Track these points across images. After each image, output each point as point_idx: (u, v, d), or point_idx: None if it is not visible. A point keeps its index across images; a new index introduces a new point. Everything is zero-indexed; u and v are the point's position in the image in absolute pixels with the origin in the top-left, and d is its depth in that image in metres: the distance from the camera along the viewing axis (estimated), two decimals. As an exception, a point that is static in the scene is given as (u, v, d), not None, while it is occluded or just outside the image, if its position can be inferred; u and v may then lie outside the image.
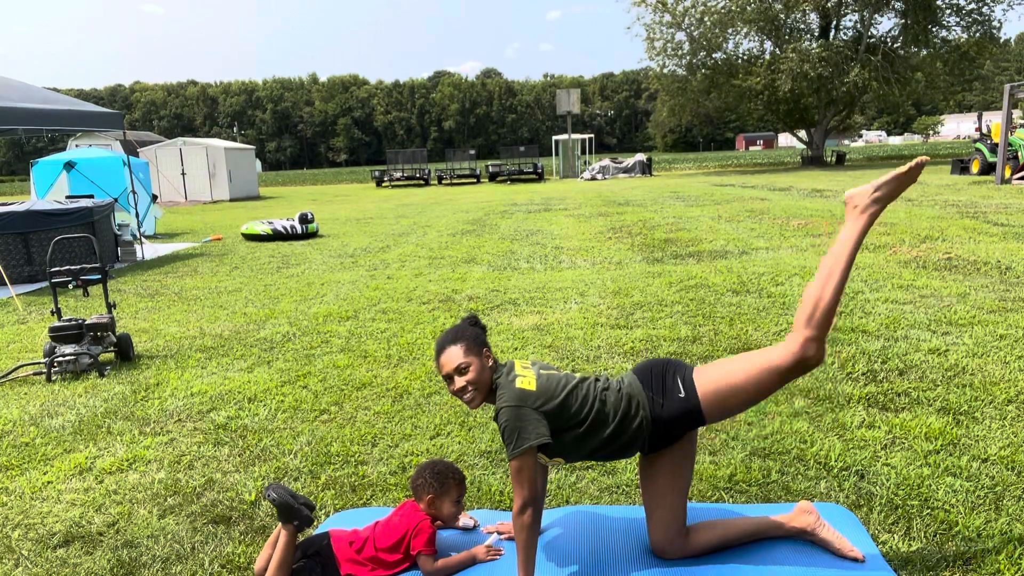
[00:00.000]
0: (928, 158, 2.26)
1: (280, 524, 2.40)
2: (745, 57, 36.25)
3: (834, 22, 34.26)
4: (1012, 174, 17.50)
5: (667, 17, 35.13)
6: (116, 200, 12.29)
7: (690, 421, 2.34)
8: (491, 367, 2.38)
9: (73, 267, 5.58)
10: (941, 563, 2.39)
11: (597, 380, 2.44)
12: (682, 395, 2.33)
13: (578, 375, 2.44)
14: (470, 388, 2.32)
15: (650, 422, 2.34)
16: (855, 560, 2.38)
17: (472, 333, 2.39)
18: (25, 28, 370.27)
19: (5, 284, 8.26)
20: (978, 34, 31.77)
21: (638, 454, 2.46)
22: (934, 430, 3.40)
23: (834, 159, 35.96)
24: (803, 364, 2.27)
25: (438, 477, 2.54)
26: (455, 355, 2.33)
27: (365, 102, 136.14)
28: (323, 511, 2.97)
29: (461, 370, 2.31)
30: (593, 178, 32.42)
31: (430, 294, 7.34)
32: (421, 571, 2.44)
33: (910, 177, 2.29)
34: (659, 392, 2.35)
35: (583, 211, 15.90)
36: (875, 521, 2.67)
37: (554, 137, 37.69)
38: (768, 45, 35.68)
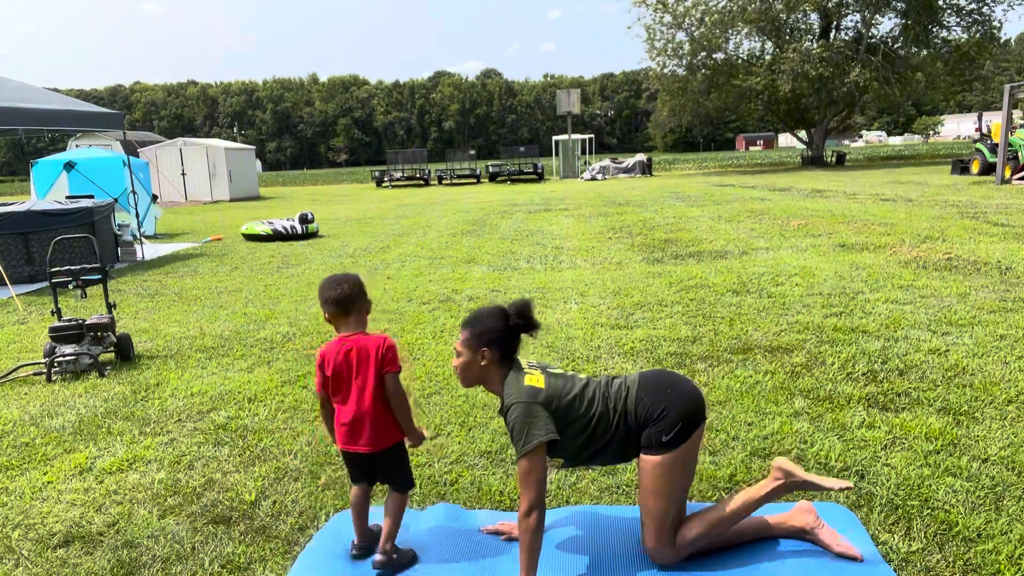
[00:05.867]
0: (851, 485, 2.40)
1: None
2: (745, 57, 36.27)
3: (834, 22, 34.27)
4: (1012, 174, 17.51)
5: (667, 17, 35.17)
6: (116, 200, 12.28)
7: (648, 444, 2.35)
8: (486, 365, 2.39)
9: (73, 267, 5.58)
10: (941, 563, 2.39)
11: (601, 382, 2.44)
12: (665, 440, 2.32)
13: (584, 376, 2.45)
14: (457, 370, 2.45)
15: (636, 428, 2.36)
16: (854, 560, 2.38)
17: (485, 327, 2.38)
18: (25, 28, 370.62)
19: (5, 284, 8.26)
20: (978, 34, 31.80)
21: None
22: (934, 430, 3.40)
23: (834, 159, 35.99)
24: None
25: (348, 278, 2.52)
26: (460, 336, 2.44)
27: (365, 102, 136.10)
28: (323, 511, 2.98)
29: (456, 352, 2.44)
30: (593, 178, 32.40)
31: (430, 294, 7.34)
32: (391, 391, 2.46)
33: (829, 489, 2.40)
34: (655, 409, 2.34)
35: (583, 211, 15.90)
36: (875, 521, 2.67)
37: (554, 137, 37.67)
38: (769, 45, 35.73)
